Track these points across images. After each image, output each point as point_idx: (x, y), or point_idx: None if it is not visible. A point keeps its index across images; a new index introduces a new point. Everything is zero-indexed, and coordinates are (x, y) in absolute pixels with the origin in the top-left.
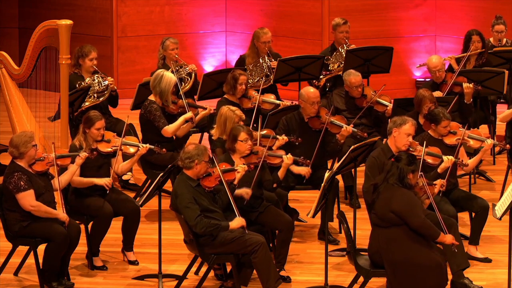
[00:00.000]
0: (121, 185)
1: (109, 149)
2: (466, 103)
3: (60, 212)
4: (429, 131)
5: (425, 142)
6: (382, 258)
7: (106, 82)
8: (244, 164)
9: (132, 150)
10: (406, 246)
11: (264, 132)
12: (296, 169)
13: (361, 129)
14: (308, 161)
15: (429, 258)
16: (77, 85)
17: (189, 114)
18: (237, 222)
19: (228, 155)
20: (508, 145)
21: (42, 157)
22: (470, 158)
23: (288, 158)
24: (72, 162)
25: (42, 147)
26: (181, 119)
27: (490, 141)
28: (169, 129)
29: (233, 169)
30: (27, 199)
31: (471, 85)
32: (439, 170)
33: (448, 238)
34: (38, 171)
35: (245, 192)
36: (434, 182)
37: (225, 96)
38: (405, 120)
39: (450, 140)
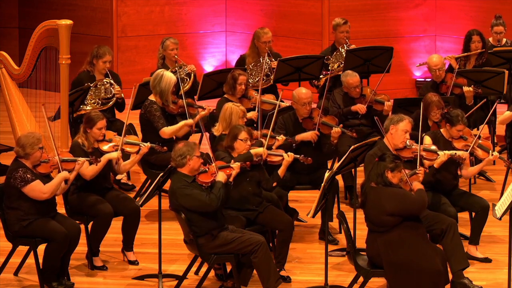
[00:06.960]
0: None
1: (111, 149)
2: (468, 105)
3: (61, 173)
4: (441, 130)
5: (419, 140)
6: (381, 261)
7: (113, 91)
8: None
9: (133, 149)
10: (406, 247)
11: (263, 132)
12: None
13: (361, 129)
14: (310, 158)
15: (430, 262)
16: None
17: (190, 121)
18: (221, 176)
19: (228, 153)
20: None
21: (47, 160)
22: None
23: (289, 156)
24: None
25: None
26: (182, 123)
27: (496, 154)
28: (167, 131)
29: (228, 165)
30: (38, 188)
31: (471, 89)
32: (435, 165)
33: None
34: (41, 173)
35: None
36: (416, 171)
37: (225, 96)
38: (402, 118)
39: (458, 145)
